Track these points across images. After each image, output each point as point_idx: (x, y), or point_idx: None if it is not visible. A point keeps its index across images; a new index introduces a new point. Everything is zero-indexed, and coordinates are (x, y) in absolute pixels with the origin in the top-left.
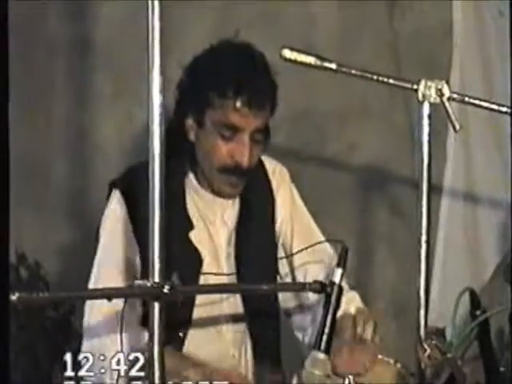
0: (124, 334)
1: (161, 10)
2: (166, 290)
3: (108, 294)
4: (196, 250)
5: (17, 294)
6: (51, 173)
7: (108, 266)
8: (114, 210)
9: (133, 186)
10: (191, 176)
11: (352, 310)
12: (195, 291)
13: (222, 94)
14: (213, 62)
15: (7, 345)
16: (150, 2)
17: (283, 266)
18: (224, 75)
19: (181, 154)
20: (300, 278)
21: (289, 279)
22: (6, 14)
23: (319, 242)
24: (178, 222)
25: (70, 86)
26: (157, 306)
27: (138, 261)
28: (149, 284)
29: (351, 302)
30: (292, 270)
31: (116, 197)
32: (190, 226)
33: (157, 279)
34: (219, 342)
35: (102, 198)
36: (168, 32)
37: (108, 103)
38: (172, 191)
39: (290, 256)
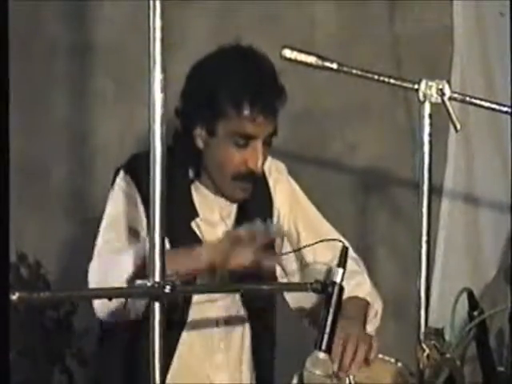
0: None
1: (162, 10)
2: (167, 289)
3: (109, 294)
4: (198, 238)
5: (17, 294)
6: (52, 173)
7: (114, 233)
8: (121, 186)
9: (139, 170)
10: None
11: (359, 294)
12: (196, 291)
13: (237, 105)
14: (222, 72)
15: (7, 345)
16: (151, 2)
17: (290, 263)
18: (236, 86)
19: (186, 159)
20: (316, 275)
21: (297, 276)
22: (6, 13)
23: (320, 241)
24: (183, 211)
25: (70, 86)
26: (157, 305)
27: (143, 233)
28: (149, 284)
29: (359, 285)
30: (303, 267)
31: (122, 175)
32: (194, 215)
33: (157, 279)
34: (209, 335)
35: (103, 198)
36: (169, 32)
37: (109, 103)
38: (178, 191)
39: (296, 251)
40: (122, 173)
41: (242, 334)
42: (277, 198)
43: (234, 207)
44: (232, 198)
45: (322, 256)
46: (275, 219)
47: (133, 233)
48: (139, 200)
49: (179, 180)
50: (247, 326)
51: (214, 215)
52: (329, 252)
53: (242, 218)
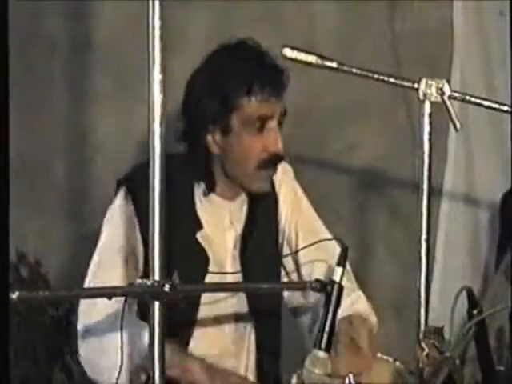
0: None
1: (161, 10)
2: (166, 288)
3: (108, 293)
4: (203, 249)
5: (17, 293)
6: (51, 172)
7: (108, 260)
8: (120, 206)
9: (139, 184)
10: (201, 183)
11: (355, 311)
12: (196, 290)
13: (248, 91)
14: (222, 69)
15: (7, 344)
16: (150, 2)
17: (289, 264)
18: (242, 74)
19: (200, 174)
20: (305, 276)
21: (295, 276)
22: (6, 14)
23: (319, 241)
24: (186, 222)
25: (70, 85)
26: (157, 304)
27: (141, 259)
28: (149, 283)
29: (355, 304)
30: (297, 268)
31: (122, 194)
32: (198, 227)
33: (157, 278)
34: (220, 338)
35: (102, 197)
36: (169, 32)
37: (109, 103)
38: (181, 197)
39: (294, 253)
40: (122, 192)
41: (250, 335)
42: (281, 200)
43: (244, 211)
44: (258, 189)
45: (317, 269)
46: (280, 221)
47: (129, 263)
48: (137, 226)
49: (183, 191)
50: (253, 328)
51: (224, 221)
52: (325, 265)
53: (251, 221)
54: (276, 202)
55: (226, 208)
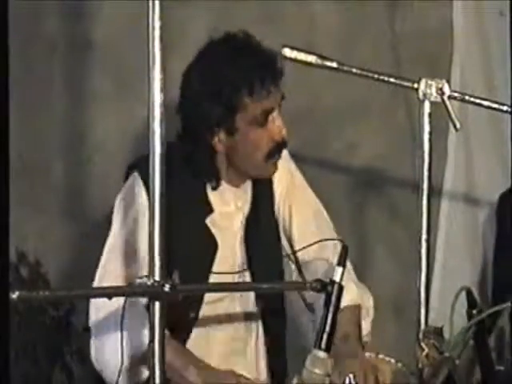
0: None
1: (161, 10)
2: (166, 288)
3: (108, 293)
4: (211, 235)
5: (17, 293)
6: (51, 172)
7: (117, 258)
8: (133, 195)
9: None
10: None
11: (347, 303)
12: (196, 290)
13: (250, 91)
14: (222, 70)
15: (7, 344)
16: (150, 2)
17: (286, 246)
18: (242, 75)
19: (206, 173)
20: (301, 259)
21: (292, 258)
22: (6, 14)
23: (319, 241)
24: (197, 208)
25: (70, 85)
26: (157, 304)
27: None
28: (149, 283)
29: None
30: (293, 251)
31: (136, 181)
32: (209, 211)
33: (157, 277)
34: (224, 335)
35: (102, 197)
36: (169, 32)
37: (109, 103)
38: (192, 189)
39: (295, 252)
40: (135, 176)
41: (256, 332)
42: (276, 180)
43: (249, 195)
44: (267, 176)
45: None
46: (274, 200)
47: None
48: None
49: (193, 179)
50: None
51: (230, 207)
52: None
53: (255, 203)
54: (271, 185)
55: (232, 192)
